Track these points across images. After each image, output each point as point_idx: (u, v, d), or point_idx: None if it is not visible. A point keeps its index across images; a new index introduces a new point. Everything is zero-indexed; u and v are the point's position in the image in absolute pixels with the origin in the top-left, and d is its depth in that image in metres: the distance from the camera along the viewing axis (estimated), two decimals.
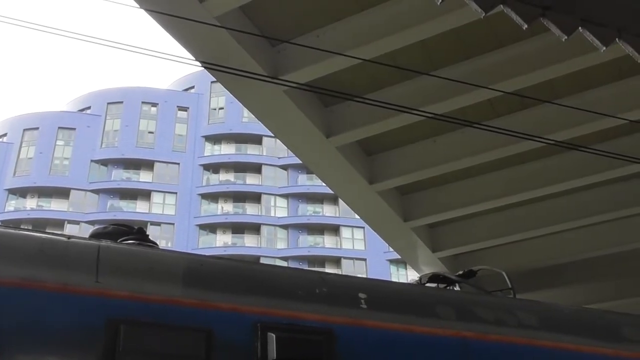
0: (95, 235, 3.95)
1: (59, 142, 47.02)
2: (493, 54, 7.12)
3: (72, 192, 45.23)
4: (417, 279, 5.58)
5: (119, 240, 3.78)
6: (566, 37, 4.31)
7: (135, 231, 4.07)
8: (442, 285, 5.18)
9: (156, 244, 4.12)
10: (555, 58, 6.76)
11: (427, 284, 5.13)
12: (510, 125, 6.99)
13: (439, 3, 4.39)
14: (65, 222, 43.90)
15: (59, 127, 47.35)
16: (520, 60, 6.96)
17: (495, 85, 6.65)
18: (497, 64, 7.07)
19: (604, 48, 4.37)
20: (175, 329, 3.24)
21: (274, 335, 3.36)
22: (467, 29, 6.56)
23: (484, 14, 4.31)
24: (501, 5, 4.29)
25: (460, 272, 5.44)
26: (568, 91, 7.40)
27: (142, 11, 6.38)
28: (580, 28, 4.31)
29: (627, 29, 4.33)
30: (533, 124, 7.46)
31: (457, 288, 5.22)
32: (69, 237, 3.51)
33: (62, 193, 45.23)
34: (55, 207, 45.05)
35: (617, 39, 4.35)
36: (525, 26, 4.32)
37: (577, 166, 8.32)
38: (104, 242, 3.51)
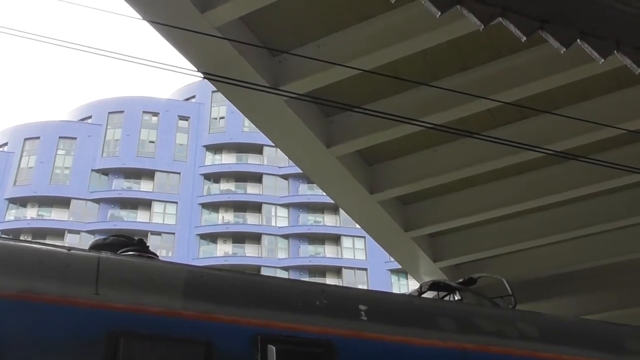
0: (95, 247, 3.95)
1: (60, 152, 47.07)
2: (492, 64, 7.14)
3: (73, 202, 45.23)
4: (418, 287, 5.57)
5: (119, 252, 3.78)
6: (565, 50, 4.32)
7: (136, 242, 4.07)
8: (442, 293, 5.17)
9: (156, 255, 4.13)
10: (554, 68, 6.77)
11: (428, 292, 5.13)
12: (510, 135, 7.01)
13: (437, 16, 4.40)
14: (66, 232, 43.87)
15: (60, 137, 47.42)
16: (520, 70, 6.99)
17: (494, 95, 6.67)
18: (497, 75, 7.09)
19: (602, 60, 4.39)
20: (175, 341, 3.24)
21: (274, 348, 3.35)
22: (466, 39, 6.58)
23: (482, 27, 4.33)
24: (500, 18, 4.31)
25: (461, 280, 5.45)
26: (567, 101, 7.42)
27: (144, 22, 6.41)
28: (578, 40, 4.33)
29: (625, 41, 4.34)
30: (533, 134, 7.46)
31: (457, 295, 5.22)
32: (69, 248, 3.51)
33: (63, 202, 45.22)
34: (55, 216, 45.02)
35: (615, 51, 4.36)
36: (524, 38, 4.34)
37: (577, 176, 8.32)
38: (104, 254, 3.51)
